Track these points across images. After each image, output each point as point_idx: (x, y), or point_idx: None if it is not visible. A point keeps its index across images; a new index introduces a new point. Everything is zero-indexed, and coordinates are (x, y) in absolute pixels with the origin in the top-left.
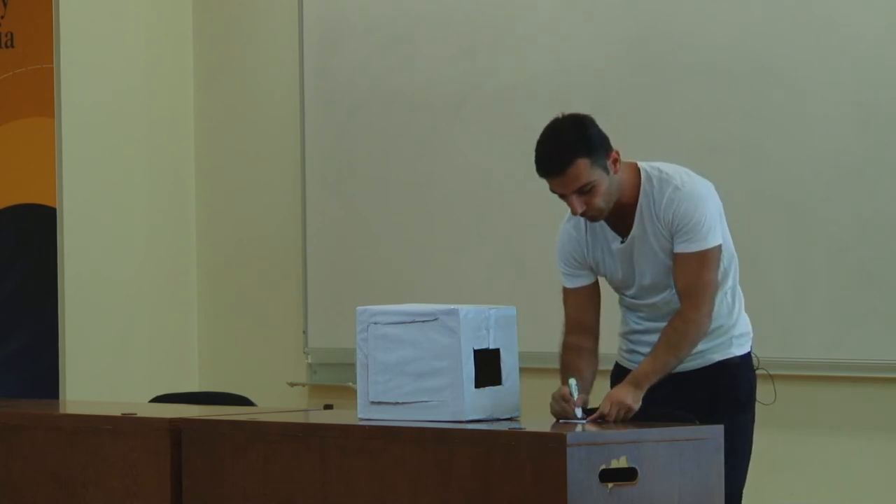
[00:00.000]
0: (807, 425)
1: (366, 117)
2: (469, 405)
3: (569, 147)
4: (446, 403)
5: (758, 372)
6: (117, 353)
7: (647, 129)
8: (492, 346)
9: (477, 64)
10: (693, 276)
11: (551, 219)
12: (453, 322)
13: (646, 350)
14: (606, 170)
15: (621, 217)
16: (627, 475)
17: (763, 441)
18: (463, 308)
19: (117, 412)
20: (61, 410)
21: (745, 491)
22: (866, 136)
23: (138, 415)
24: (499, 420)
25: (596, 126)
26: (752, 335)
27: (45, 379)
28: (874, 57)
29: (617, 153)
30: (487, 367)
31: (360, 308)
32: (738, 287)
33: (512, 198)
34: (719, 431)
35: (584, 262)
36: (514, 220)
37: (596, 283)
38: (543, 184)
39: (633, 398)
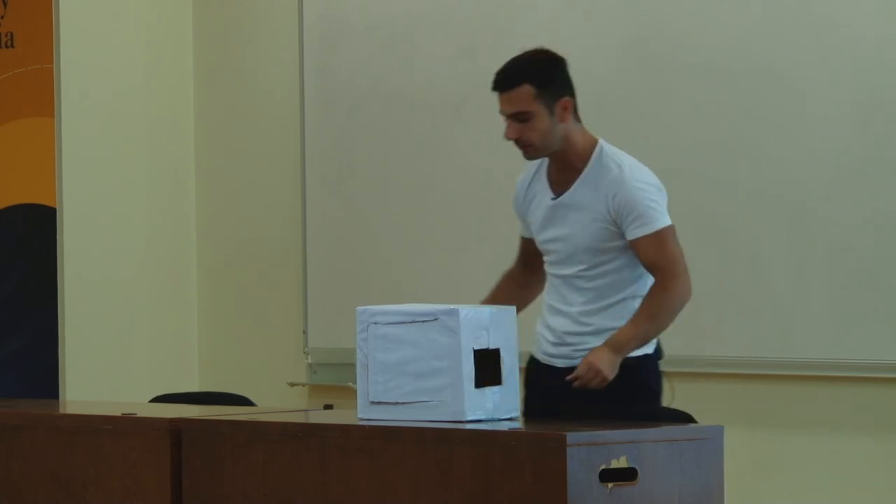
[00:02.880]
0: (807, 425)
1: (366, 117)
2: (469, 405)
3: (521, 70)
4: (446, 403)
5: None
6: (117, 353)
7: (647, 129)
8: (492, 346)
9: (477, 64)
10: (656, 254)
11: None
12: (453, 322)
13: (545, 334)
14: (552, 111)
15: (564, 177)
16: (627, 475)
17: (763, 441)
18: (463, 308)
19: (117, 412)
20: (61, 410)
21: (746, 491)
22: (866, 136)
23: (138, 415)
24: (499, 420)
25: (563, 69)
26: (655, 340)
27: (45, 379)
28: (874, 57)
29: (568, 102)
30: (487, 367)
31: (360, 308)
32: None
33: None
34: (720, 431)
35: (523, 215)
36: (514, 220)
37: None
38: None
39: (610, 367)
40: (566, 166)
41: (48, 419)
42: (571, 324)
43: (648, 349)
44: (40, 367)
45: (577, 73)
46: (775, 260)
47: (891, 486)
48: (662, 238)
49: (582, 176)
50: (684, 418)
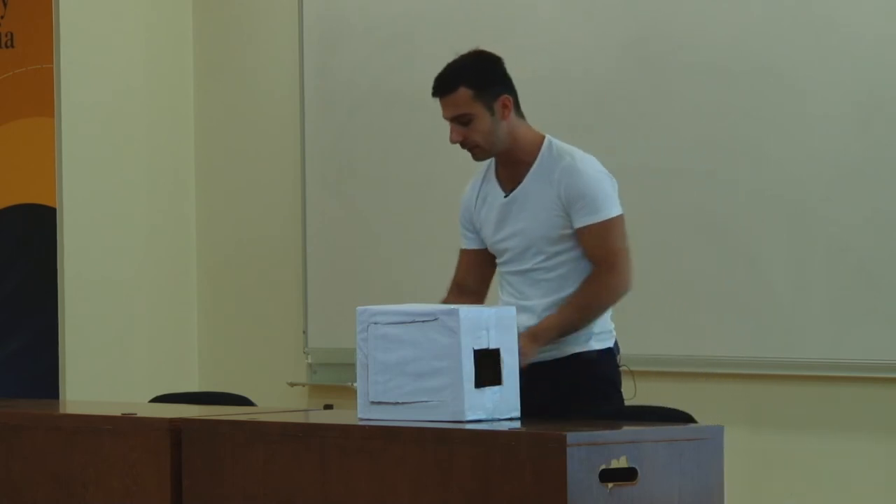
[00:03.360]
0: (807, 425)
1: (366, 117)
2: (469, 405)
3: (457, 74)
4: (446, 403)
5: (621, 368)
6: (117, 353)
7: (647, 129)
8: (492, 346)
9: None
10: (601, 245)
11: None
12: (453, 322)
13: None
14: (492, 110)
15: (514, 174)
16: (627, 475)
17: (763, 441)
18: (463, 308)
19: (117, 412)
20: (61, 410)
21: (746, 491)
22: (866, 136)
23: (138, 415)
24: (499, 420)
25: (500, 68)
26: (614, 333)
27: (45, 379)
28: (874, 57)
29: (508, 100)
30: (487, 367)
31: (360, 308)
32: None
33: None
34: (720, 431)
35: (473, 224)
36: None
37: (487, 250)
38: None
39: (521, 351)
40: (515, 163)
41: (48, 419)
42: (533, 318)
43: (609, 342)
44: (40, 367)
45: (577, 73)
46: (775, 260)
47: (891, 486)
48: (608, 227)
49: (532, 169)
50: (684, 418)
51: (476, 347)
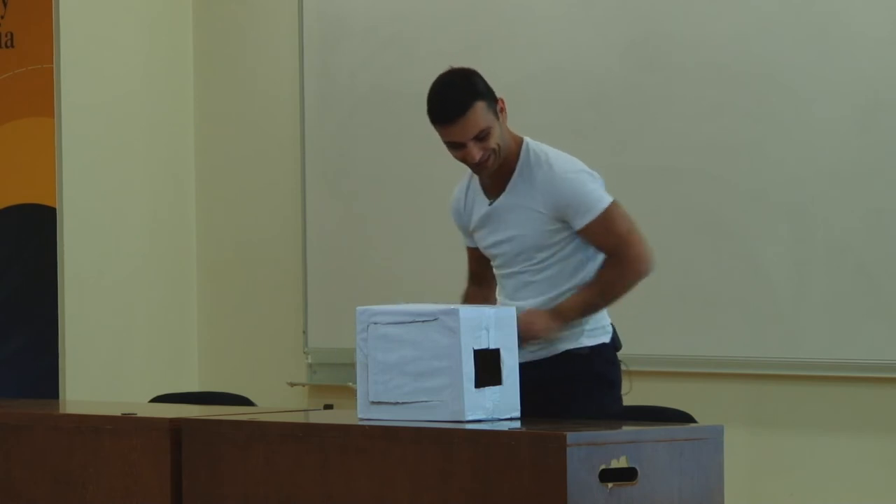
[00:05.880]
0: (807, 425)
1: (366, 117)
2: (469, 405)
3: (467, 91)
4: (446, 403)
5: (620, 365)
6: (117, 353)
7: (647, 129)
8: (492, 346)
9: (477, 64)
10: (606, 236)
11: None
12: (453, 322)
13: None
14: (497, 115)
15: (497, 180)
16: (627, 475)
17: (763, 441)
18: (463, 308)
19: (117, 412)
20: (61, 410)
21: (746, 491)
22: (866, 137)
23: (138, 415)
24: (499, 420)
25: (483, 78)
26: (609, 329)
27: (45, 379)
28: (875, 58)
29: (503, 101)
30: (487, 367)
31: (360, 308)
32: None
33: None
34: (720, 431)
35: (466, 227)
36: None
37: None
38: None
39: (545, 324)
40: (499, 168)
41: (48, 419)
42: None
43: (605, 338)
44: (40, 367)
45: (577, 73)
46: (775, 260)
47: (891, 486)
48: (608, 218)
49: (514, 177)
50: (684, 418)
51: (476, 347)
